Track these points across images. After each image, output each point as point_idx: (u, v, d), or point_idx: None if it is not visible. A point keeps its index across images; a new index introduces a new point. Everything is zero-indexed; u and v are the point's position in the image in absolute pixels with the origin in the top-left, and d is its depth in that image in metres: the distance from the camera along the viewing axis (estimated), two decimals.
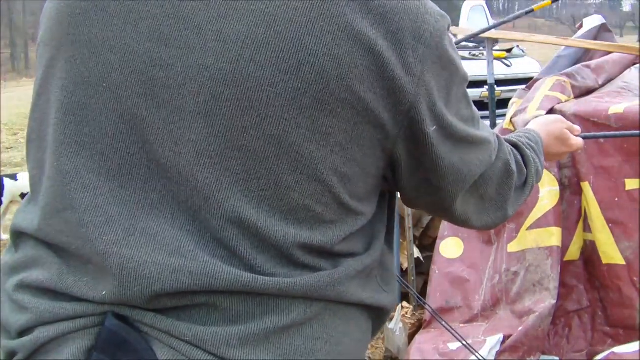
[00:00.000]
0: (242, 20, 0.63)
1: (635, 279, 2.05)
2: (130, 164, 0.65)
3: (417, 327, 2.39)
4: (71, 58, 0.68)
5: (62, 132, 0.67)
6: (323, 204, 0.67)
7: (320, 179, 0.65)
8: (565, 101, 2.34)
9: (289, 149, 0.64)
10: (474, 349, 1.71)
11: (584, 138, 1.24)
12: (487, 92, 3.41)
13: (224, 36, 0.63)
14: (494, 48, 4.38)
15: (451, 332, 1.66)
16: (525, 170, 0.92)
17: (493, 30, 2.97)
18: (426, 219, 2.78)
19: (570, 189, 2.23)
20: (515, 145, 0.95)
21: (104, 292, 0.64)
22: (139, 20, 0.65)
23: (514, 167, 0.86)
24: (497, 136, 0.85)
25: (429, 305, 2.19)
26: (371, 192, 0.73)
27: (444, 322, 1.73)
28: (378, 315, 0.78)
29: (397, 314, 2.49)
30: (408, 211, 2.58)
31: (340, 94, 0.63)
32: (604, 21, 2.96)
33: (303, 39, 0.62)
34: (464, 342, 1.66)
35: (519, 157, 0.92)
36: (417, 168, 0.73)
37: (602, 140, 2.12)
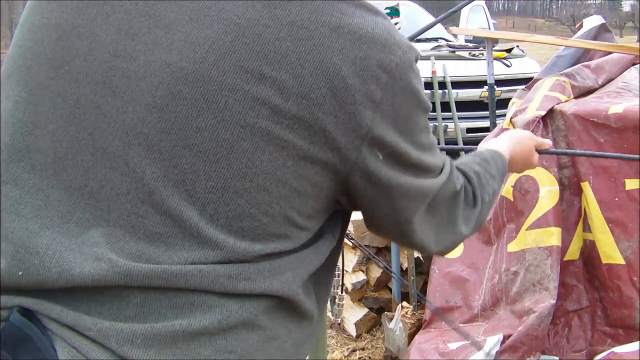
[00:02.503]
0: (211, 26, 0.65)
1: (635, 279, 2.05)
2: (76, 149, 0.66)
3: (417, 327, 2.39)
4: (40, 40, 0.69)
5: (22, 111, 0.68)
6: (269, 215, 0.67)
7: (269, 189, 0.66)
8: (565, 101, 2.34)
9: (240, 155, 0.64)
10: (477, 343, 1.71)
11: (540, 153, 1.28)
12: (487, 92, 3.42)
13: (192, 38, 0.65)
14: (494, 48, 4.38)
15: (454, 329, 1.66)
16: (475, 189, 0.93)
17: (493, 30, 2.98)
18: None
19: (570, 188, 2.23)
20: (467, 167, 0.96)
21: (20, 273, 0.63)
22: (111, 13, 0.67)
23: (461, 187, 0.87)
24: (449, 160, 0.87)
25: (429, 302, 2.19)
26: (321, 212, 0.74)
27: (445, 320, 1.73)
28: (306, 328, 0.76)
29: (397, 314, 2.49)
30: None
31: (299, 111, 0.65)
32: (604, 21, 2.96)
33: (268, 55, 0.64)
34: (468, 339, 1.66)
35: (472, 178, 0.93)
36: (372, 192, 0.74)
37: (602, 139, 2.12)
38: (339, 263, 1.39)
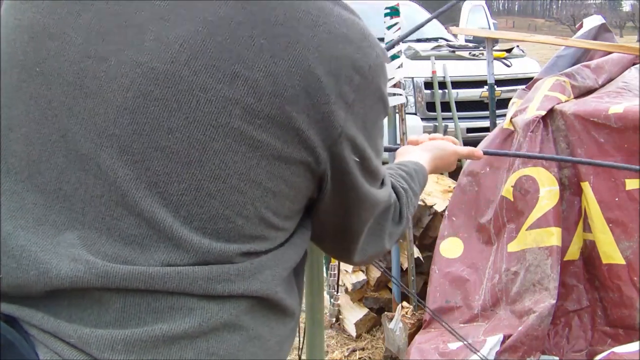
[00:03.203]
0: (183, 25, 0.64)
1: (635, 278, 2.05)
2: (49, 152, 0.65)
3: (417, 327, 2.39)
4: (12, 41, 0.69)
5: None
6: (244, 216, 0.66)
7: (243, 190, 0.65)
8: (565, 101, 2.34)
9: (213, 156, 0.63)
10: (474, 348, 1.71)
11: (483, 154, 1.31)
12: (487, 92, 3.42)
13: (163, 38, 0.64)
14: (494, 48, 4.38)
15: (451, 332, 1.66)
16: (402, 207, 0.93)
17: (493, 30, 2.98)
18: (426, 219, 2.78)
19: (570, 188, 2.23)
20: (396, 181, 0.97)
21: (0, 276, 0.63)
22: (82, 12, 0.66)
23: (393, 201, 0.88)
24: (385, 171, 0.88)
25: (427, 307, 2.19)
26: (298, 212, 0.74)
27: (444, 322, 1.73)
28: (288, 324, 0.76)
29: (397, 314, 2.49)
30: None
31: (271, 110, 0.64)
32: (604, 21, 2.96)
33: (241, 53, 0.63)
34: (465, 342, 1.66)
35: (401, 195, 0.94)
36: (338, 195, 0.75)
37: (602, 139, 2.12)
38: (336, 262, 1.39)
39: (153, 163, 0.63)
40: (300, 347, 1.41)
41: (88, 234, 0.64)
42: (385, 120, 2.63)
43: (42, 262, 0.62)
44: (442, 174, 3.38)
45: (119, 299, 0.62)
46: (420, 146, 1.19)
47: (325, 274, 2.59)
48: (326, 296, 2.77)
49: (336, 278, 1.41)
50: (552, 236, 2.12)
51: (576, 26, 3.30)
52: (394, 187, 0.91)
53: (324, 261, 1.40)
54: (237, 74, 0.63)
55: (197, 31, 0.64)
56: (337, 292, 1.40)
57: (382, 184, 0.83)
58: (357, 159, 0.72)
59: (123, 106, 0.63)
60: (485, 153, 1.29)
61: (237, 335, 0.67)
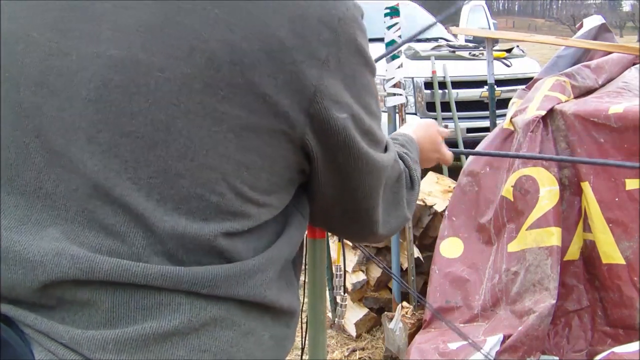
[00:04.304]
0: (137, 8, 0.64)
1: (635, 279, 2.05)
2: (25, 153, 0.66)
3: (417, 327, 2.39)
4: None
5: None
6: (218, 193, 0.65)
7: (212, 166, 0.64)
8: (565, 101, 2.34)
9: (177, 135, 0.63)
10: (476, 345, 1.71)
11: (456, 153, 1.27)
12: (487, 92, 3.42)
13: (118, 25, 0.64)
14: (494, 48, 4.38)
15: (453, 330, 1.66)
16: (411, 171, 0.91)
17: (493, 30, 2.98)
18: (426, 219, 2.78)
19: (570, 188, 2.23)
20: (397, 149, 0.94)
21: None
22: (45, 12, 0.67)
23: (402, 167, 0.87)
24: (392, 145, 0.85)
25: (429, 304, 2.19)
26: (283, 185, 0.71)
27: (444, 321, 1.73)
28: (285, 321, 0.75)
29: (397, 314, 2.49)
30: None
31: (232, 79, 0.63)
32: (604, 21, 2.95)
33: (195, 26, 0.62)
34: (468, 340, 1.66)
35: (406, 160, 0.92)
36: (333, 160, 0.72)
37: (602, 139, 2.12)
38: (341, 263, 1.38)
39: (120, 150, 0.63)
40: (302, 347, 1.41)
41: (71, 228, 0.64)
42: (385, 121, 2.63)
43: (27, 260, 0.62)
44: (442, 173, 3.38)
45: (108, 298, 0.63)
46: (403, 126, 1.19)
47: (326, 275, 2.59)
48: (334, 297, 2.76)
49: (342, 279, 1.41)
50: (552, 236, 2.12)
51: (576, 26, 3.30)
52: (398, 154, 0.89)
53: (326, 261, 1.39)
54: (194, 48, 0.62)
55: (152, 12, 0.63)
56: (344, 292, 1.39)
57: (386, 149, 0.80)
58: (346, 117, 0.69)
59: (87, 98, 0.64)
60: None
61: (230, 331, 0.67)
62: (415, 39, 5.81)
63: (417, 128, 1.12)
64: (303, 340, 1.40)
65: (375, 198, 0.79)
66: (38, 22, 0.67)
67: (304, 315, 1.28)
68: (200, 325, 0.65)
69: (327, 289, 2.77)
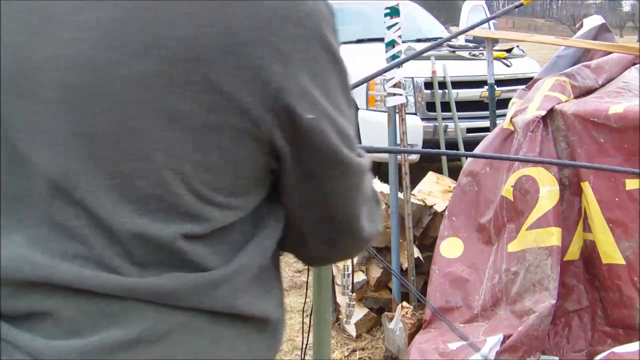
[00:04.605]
0: (96, 8, 0.63)
1: (635, 279, 2.05)
2: None
3: (417, 327, 2.39)
4: None
5: None
6: (176, 194, 0.63)
7: (170, 166, 0.62)
8: (565, 101, 2.34)
9: (134, 134, 0.62)
10: (475, 346, 1.71)
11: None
12: (487, 92, 3.41)
13: (78, 25, 0.63)
14: (494, 48, 4.38)
15: (452, 330, 1.66)
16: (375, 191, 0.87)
17: (493, 30, 2.98)
18: (426, 219, 2.78)
19: (570, 188, 2.23)
20: None
21: None
22: (14, 17, 0.66)
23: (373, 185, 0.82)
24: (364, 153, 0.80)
25: (428, 302, 2.19)
26: (251, 187, 0.68)
27: (446, 321, 1.73)
28: (262, 329, 0.71)
29: (397, 314, 2.49)
30: (408, 210, 2.58)
31: (190, 76, 0.61)
32: (604, 21, 2.95)
33: (152, 23, 0.61)
34: (467, 341, 1.66)
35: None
36: (307, 161, 0.68)
37: (602, 139, 2.12)
38: (349, 263, 1.38)
39: (80, 151, 0.63)
40: (304, 347, 1.41)
41: (36, 232, 0.63)
42: (385, 120, 2.63)
43: None
44: (442, 173, 3.38)
45: (72, 307, 0.62)
46: None
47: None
48: (342, 297, 2.75)
49: (350, 279, 1.41)
50: (552, 236, 2.11)
51: (576, 26, 3.30)
52: None
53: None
54: (150, 45, 0.61)
55: (109, 11, 0.62)
56: (352, 292, 1.40)
57: (360, 156, 0.75)
58: (317, 116, 0.66)
59: (51, 101, 0.63)
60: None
61: (198, 337, 0.65)
62: (414, 38, 5.81)
63: None
64: (304, 340, 1.40)
65: (357, 204, 0.75)
66: (12, 27, 0.66)
67: (302, 315, 1.27)
68: (166, 332, 0.63)
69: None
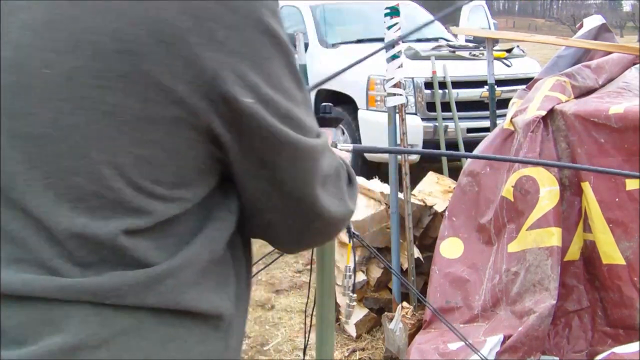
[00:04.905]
0: (27, 9, 0.63)
1: (635, 279, 2.05)
2: None
3: (417, 327, 2.39)
4: None
5: None
6: (115, 189, 0.62)
7: (107, 161, 0.61)
8: (566, 101, 2.34)
9: (68, 132, 0.61)
10: (475, 348, 1.71)
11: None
12: (487, 92, 3.41)
13: (12, 27, 0.63)
14: (494, 48, 4.38)
15: (453, 331, 1.66)
16: (348, 167, 0.86)
17: (493, 30, 2.98)
18: (426, 219, 2.78)
19: (570, 189, 2.22)
20: None
21: None
22: None
23: (340, 161, 0.81)
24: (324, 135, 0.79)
25: (428, 303, 2.18)
26: (196, 177, 0.67)
27: (445, 322, 1.73)
28: (215, 326, 0.69)
29: (397, 314, 2.49)
30: (408, 210, 2.58)
31: (122, 69, 0.60)
32: (604, 21, 2.95)
33: (81, 18, 0.61)
34: (467, 342, 1.66)
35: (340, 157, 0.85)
36: (251, 148, 0.67)
37: (602, 139, 2.12)
38: (351, 263, 1.37)
39: (15, 152, 0.62)
40: (305, 347, 1.41)
41: None
42: (386, 120, 2.63)
43: None
44: (442, 174, 3.38)
45: (15, 315, 0.61)
46: None
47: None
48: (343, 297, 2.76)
49: (352, 279, 1.40)
50: (553, 236, 2.11)
51: (576, 26, 3.29)
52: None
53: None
54: (79, 40, 0.60)
55: (40, 11, 0.62)
56: (354, 293, 1.40)
57: (319, 137, 0.74)
58: (256, 101, 0.64)
59: None
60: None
61: (145, 341, 0.63)
62: (414, 38, 5.81)
63: None
64: (306, 340, 1.40)
65: (313, 186, 0.72)
66: None
67: (303, 315, 1.27)
68: (110, 336, 0.62)
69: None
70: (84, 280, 0.61)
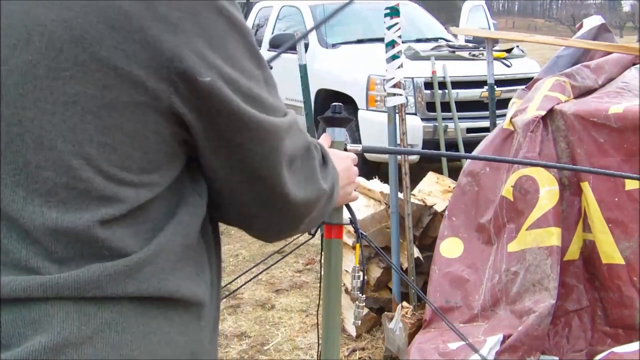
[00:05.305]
0: None
1: (635, 278, 2.05)
2: None
3: (417, 327, 2.39)
4: None
5: None
6: (84, 179, 0.62)
7: (73, 152, 0.62)
8: (565, 101, 2.34)
9: (31, 126, 0.61)
10: (475, 348, 1.71)
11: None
12: (487, 92, 3.41)
13: None
14: (494, 48, 4.38)
15: (453, 330, 1.67)
16: (323, 149, 0.86)
17: (493, 30, 2.98)
18: (426, 219, 2.78)
19: (569, 188, 2.23)
20: None
21: None
22: None
23: (310, 140, 0.82)
24: (293, 114, 0.79)
25: (429, 301, 2.19)
26: (164, 161, 0.67)
27: (445, 319, 1.74)
28: (197, 315, 0.70)
29: (397, 314, 2.49)
30: (408, 210, 2.58)
31: (77, 58, 0.60)
32: (604, 21, 2.95)
33: (31, 10, 0.61)
34: (466, 341, 1.66)
35: (315, 140, 0.86)
36: (214, 128, 0.68)
37: (601, 139, 2.12)
38: (359, 265, 1.38)
39: None
40: (318, 347, 1.41)
41: None
42: (385, 120, 2.63)
43: None
44: (441, 173, 3.38)
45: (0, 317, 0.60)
46: None
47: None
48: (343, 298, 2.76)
49: (360, 280, 1.40)
50: (552, 236, 2.12)
51: (576, 26, 3.30)
52: (312, 143, 0.83)
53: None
54: (31, 33, 0.60)
55: (2, 7, 0.62)
56: (362, 294, 1.40)
57: (285, 116, 0.75)
58: (214, 79, 0.65)
59: None
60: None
61: (127, 335, 0.63)
62: (414, 38, 5.81)
63: (336, 160, 1.02)
64: (318, 337, 1.40)
65: (277, 165, 0.73)
66: None
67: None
68: (92, 332, 0.62)
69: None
70: (63, 276, 0.61)
